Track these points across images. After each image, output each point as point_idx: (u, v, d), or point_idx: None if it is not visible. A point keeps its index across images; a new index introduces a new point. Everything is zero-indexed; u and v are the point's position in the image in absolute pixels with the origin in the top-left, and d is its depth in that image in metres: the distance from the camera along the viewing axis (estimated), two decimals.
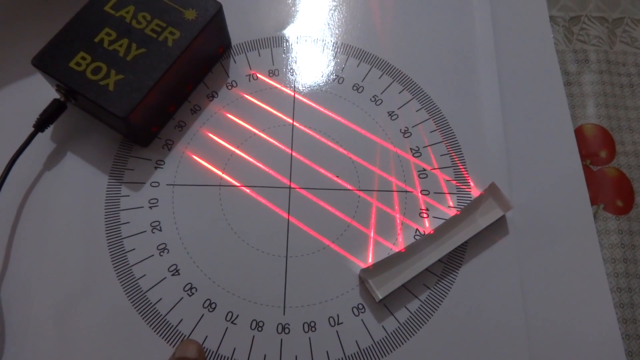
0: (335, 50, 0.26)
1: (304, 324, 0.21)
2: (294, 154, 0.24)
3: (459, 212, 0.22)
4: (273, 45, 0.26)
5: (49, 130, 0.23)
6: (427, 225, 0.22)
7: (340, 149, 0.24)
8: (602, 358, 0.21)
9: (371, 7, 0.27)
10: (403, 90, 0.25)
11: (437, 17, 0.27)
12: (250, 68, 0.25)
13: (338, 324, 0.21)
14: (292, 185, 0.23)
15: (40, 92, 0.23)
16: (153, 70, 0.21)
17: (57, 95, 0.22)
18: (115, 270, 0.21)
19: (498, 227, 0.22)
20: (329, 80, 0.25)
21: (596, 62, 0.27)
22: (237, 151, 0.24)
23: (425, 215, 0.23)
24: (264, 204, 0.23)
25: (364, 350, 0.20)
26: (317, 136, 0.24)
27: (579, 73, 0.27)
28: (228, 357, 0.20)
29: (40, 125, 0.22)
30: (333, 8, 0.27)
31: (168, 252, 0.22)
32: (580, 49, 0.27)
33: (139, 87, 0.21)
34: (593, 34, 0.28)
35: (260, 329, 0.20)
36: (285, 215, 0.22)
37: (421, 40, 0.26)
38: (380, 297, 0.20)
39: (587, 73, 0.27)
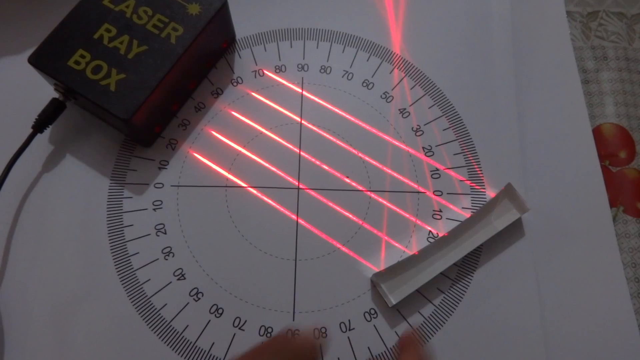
0: (344, 43, 0.25)
1: (314, 330, 0.20)
2: (302, 153, 0.23)
3: (473, 214, 0.21)
4: (279, 39, 0.25)
5: (47, 131, 0.22)
6: (441, 227, 0.22)
7: (350, 148, 0.23)
8: None
9: None
10: (415, 85, 0.24)
11: (452, 10, 0.26)
12: (256, 64, 0.25)
13: (349, 329, 0.20)
14: (301, 186, 0.22)
15: (39, 90, 0.22)
16: (156, 70, 0.20)
17: (55, 94, 0.22)
18: (119, 274, 0.20)
19: (514, 230, 0.22)
20: (337, 76, 0.24)
21: (615, 59, 0.26)
22: (244, 151, 0.23)
23: (438, 217, 0.22)
24: (272, 205, 0.22)
25: (376, 357, 0.20)
26: (326, 135, 0.23)
27: (597, 70, 0.26)
28: None
29: (39, 126, 0.22)
30: None
31: (173, 256, 0.21)
32: (598, 46, 0.27)
33: (142, 87, 0.20)
34: (611, 30, 0.27)
35: (269, 335, 0.20)
36: (294, 217, 0.22)
37: (435, 34, 0.25)
38: (394, 302, 0.20)
39: (605, 70, 0.26)
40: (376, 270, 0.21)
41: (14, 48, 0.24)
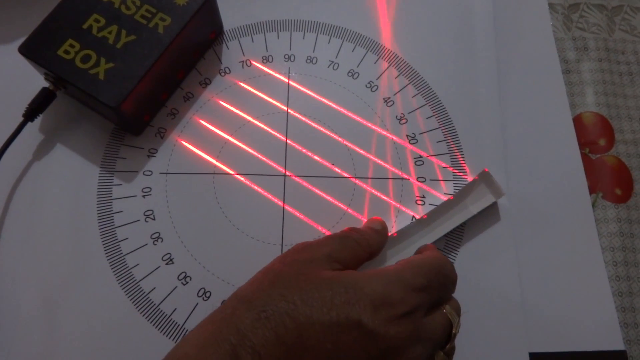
0: (330, 34, 0.26)
1: None
2: (288, 141, 0.23)
3: (450, 198, 0.22)
4: (266, 31, 0.26)
5: (38, 120, 0.23)
6: (423, 212, 0.22)
7: (336, 137, 0.24)
8: (601, 346, 0.21)
9: None
10: (399, 75, 0.25)
11: (435, 2, 0.27)
12: (244, 54, 0.25)
13: None
14: (287, 173, 0.23)
15: (29, 80, 0.23)
16: (144, 58, 0.21)
17: (46, 84, 0.22)
18: (108, 259, 0.21)
19: (490, 214, 0.22)
20: (323, 66, 0.25)
21: (595, 50, 0.27)
22: (231, 139, 0.23)
23: (421, 203, 0.23)
24: (259, 192, 0.22)
25: None
26: (312, 123, 0.24)
27: (578, 61, 0.27)
28: None
29: (30, 114, 0.22)
30: None
31: (162, 241, 0.21)
32: (579, 37, 0.27)
33: (130, 76, 0.21)
34: (592, 22, 0.28)
35: None
36: (280, 203, 0.22)
37: (419, 25, 0.26)
38: None
39: (586, 61, 0.27)
40: None
41: (4, 38, 0.25)
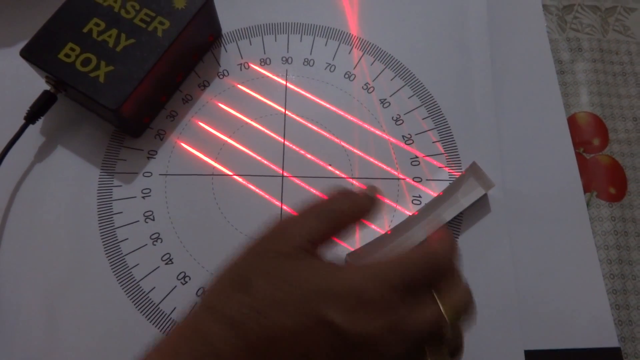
0: (327, 37, 0.26)
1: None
2: (286, 142, 0.24)
3: (440, 193, 0.22)
4: (264, 33, 0.26)
5: (39, 122, 0.23)
6: None
7: (333, 138, 0.24)
8: (595, 344, 0.21)
9: None
10: (395, 77, 0.25)
11: (430, 3, 0.27)
12: (242, 57, 0.25)
13: None
14: (285, 174, 0.23)
15: (30, 83, 0.23)
16: (143, 61, 0.21)
17: (47, 86, 0.22)
18: (109, 259, 0.21)
19: (483, 208, 0.22)
20: (320, 68, 0.25)
21: (589, 51, 0.27)
22: (230, 140, 0.24)
23: (417, 202, 0.23)
24: (257, 192, 0.23)
25: None
26: (309, 125, 0.24)
27: (572, 61, 0.27)
28: None
29: (31, 117, 0.22)
30: None
31: (161, 242, 0.22)
32: (573, 38, 0.27)
33: (130, 79, 0.21)
34: (586, 23, 0.28)
35: None
36: (278, 203, 0.22)
37: (414, 27, 0.26)
38: None
39: (580, 61, 0.27)
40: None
41: (6, 42, 0.25)
